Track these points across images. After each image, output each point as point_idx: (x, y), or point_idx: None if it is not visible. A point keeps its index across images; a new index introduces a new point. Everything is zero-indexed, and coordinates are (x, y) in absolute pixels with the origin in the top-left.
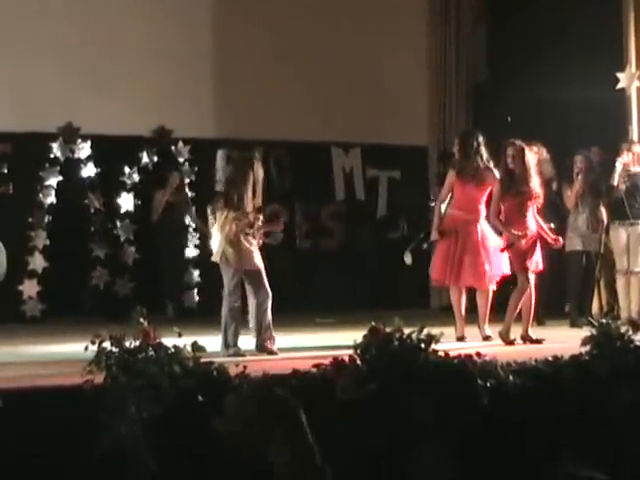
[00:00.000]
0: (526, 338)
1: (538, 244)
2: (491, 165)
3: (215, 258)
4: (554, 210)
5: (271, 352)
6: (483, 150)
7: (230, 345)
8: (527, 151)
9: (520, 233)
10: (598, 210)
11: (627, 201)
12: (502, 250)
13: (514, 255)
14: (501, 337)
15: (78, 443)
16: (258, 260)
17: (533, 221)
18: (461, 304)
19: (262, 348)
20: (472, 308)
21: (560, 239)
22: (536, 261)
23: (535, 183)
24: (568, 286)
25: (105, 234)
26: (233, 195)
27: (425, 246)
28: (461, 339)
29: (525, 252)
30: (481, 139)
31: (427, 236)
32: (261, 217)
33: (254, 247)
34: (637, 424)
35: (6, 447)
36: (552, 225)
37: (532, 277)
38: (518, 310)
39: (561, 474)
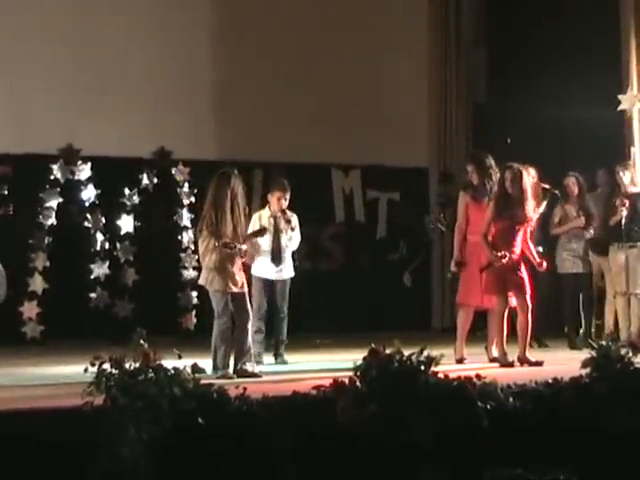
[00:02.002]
0: (524, 360)
1: (522, 268)
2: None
3: (201, 282)
4: (542, 233)
5: (253, 375)
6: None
7: (219, 367)
8: (525, 175)
9: (501, 254)
10: (594, 231)
11: (626, 223)
12: (481, 270)
13: (492, 276)
14: (498, 361)
15: (78, 465)
16: (243, 283)
17: (520, 245)
18: (467, 326)
19: (240, 372)
20: (472, 330)
21: (544, 263)
22: (520, 285)
23: (530, 207)
24: (565, 308)
25: (105, 255)
26: (212, 218)
27: (449, 276)
28: (460, 361)
29: (504, 274)
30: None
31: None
32: (240, 243)
33: (239, 269)
34: (637, 446)
35: (6, 469)
36: (540, 249)
37: (529, 300)
38: (505, 331)
39: None
